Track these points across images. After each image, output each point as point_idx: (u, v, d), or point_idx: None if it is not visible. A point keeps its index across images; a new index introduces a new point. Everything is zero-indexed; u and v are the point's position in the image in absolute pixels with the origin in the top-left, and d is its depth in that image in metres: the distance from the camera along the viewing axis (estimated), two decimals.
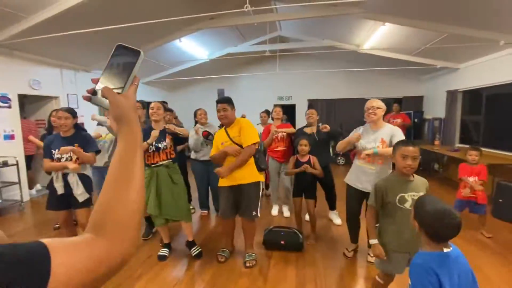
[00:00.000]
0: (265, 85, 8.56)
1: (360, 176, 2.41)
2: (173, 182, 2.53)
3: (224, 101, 2.42)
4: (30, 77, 4.55)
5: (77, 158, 2.33)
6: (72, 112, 2.38)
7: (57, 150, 2.27)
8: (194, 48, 6.19)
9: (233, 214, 2.53)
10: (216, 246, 2.80)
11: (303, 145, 2.89)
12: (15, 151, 4.24)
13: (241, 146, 2.36)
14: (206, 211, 3.75)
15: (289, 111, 7.43)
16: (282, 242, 2.70)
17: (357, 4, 4.02)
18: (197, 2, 4.29)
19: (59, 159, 2.30)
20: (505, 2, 3.33)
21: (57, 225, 3.35)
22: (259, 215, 2.45)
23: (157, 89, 8.44)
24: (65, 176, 2.32)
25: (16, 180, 4.04)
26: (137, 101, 3.72)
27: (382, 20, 4.33)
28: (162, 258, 2.58)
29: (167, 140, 2.54)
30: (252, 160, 2.41)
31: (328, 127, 3.09)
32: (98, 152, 2.48)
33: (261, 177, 2.45)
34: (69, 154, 2.31)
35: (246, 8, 2.86)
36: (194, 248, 2.64)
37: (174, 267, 2.48)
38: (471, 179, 2.97)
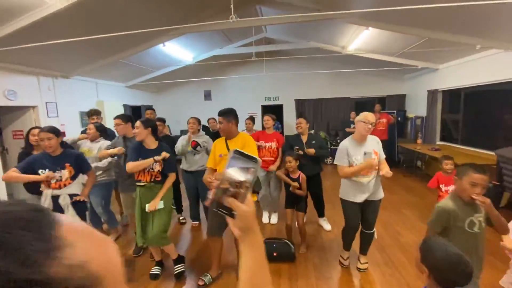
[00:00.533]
0: (252, 86, 8.53)
1: (356, 191, 2.39)
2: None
3: (221, 114, 2.36)
4: (4, 88, 4.31)
5: (70, 178, 2.26)
6: (55, 131, 2.27)
7: (47, 170, 2.18)
8: (178, 51, 6.06)
9: (220, 233, 2.45)
10: (207, 264, 2.78)
11: (288, 162, 2.88)
12: None
13: None
14: (197, 222, 3.73)
15: (276, 112, 7.45)
16: (275, 254, 2.73)
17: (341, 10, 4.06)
18: (180, 8, 4.19)
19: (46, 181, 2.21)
20: (481, 10, 3.46)
21: None
22: None
23: (142, 92, 8.23)
24: (55, 198, 2.23)
25: None
26: (159, 119, 3.63)
27: (366, 25, 4.39)
28: (154, 277, 2.54)
29: (157, 164, 2.41)
30: None
31: (313, 151, 3.13)
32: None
33: (253, 198, 2.45)
34: (59, 175, 2.22)
35: (231, 19, 2.81)
36: (177, 267, 2.57)
37: (168, 285, 2.46)
38: (450, 188, 3.01)
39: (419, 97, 6.90)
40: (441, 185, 3.03)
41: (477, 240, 1.50)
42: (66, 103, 5.40)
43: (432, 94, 6.20)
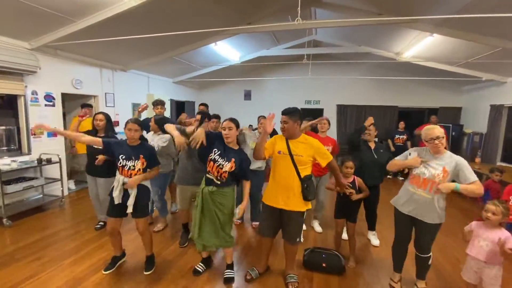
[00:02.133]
0: (293, 88, 8.44)
1: (411, 202, 2.27)
2: (218, 208, 2.29)
3: (286, 113, 2.23)
4: (72, 77, 4.70)
5: (142, 169, 2.39)
6: (141, 125, 2.44)
7: (124, 156, 2.35)
8: (228, 50, 6.16)
9: (271, 234, 2.43)
10: (252, 262, 2.78)
11: (349, 168, 2.76)
12: (57, 148, 4.42)
13: (295, 165, 2.22)
14: (240, 221, 3.75)
15: (316, 116, 7.25)
16: (324, 265, 2.63)
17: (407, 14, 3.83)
18: (238, 8, 4.23)
19: (123, 166, 2.35)
20: None
21: (98, 225, 3.45)
22: (302, 240, 2.41)
23: (186, 88, 8.53)
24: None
25: (58, 176, 4.20)
26: (215, 115, 3.32)
27: (432, 31, 4.10)
28: (196, 272, 2.54)
29: (228, 163, 2.25)
30: (299, 187, 2.23)
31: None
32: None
33: (307, 206, 2.30)
34: (133, 163, 2.36)
35: (297, 21, 2.77)
36: (228, 271, 2.50)
37: (216, 283, 2.47)
38: None
39: (479, 111, 6.32)
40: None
41: None
42: (122, 94, 5.75)
43: (496, 109, 5.65)
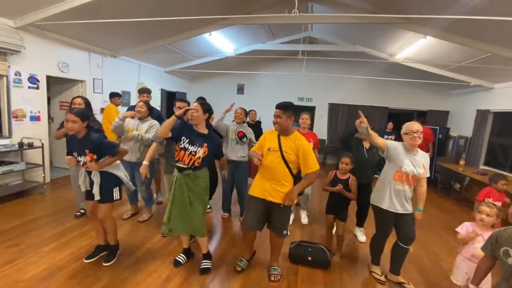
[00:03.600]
0: (286, 84, 8.42)
1: (399, 199, 2.31)
2: (191, 190, 2.25)
3: (280, 107, 2.16)
4: (59, 59, 4.51)
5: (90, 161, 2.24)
6: (82, 115, 2.16)
7: (75, 153, 2.27)
8: (222, 42, 6.07)
9: (256, 227, 2.34)
10: (239, 254, 2.76)
11: (344, 163, 2.77)
12: (40, 132, 4.25)
13: (286, 162, 2.19)
14: (227, 214, 3.71)
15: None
16: (309, 258, 2.64)
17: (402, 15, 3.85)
18: None
19: (78, 161, 2.29)
20: None
21: (78, 213, 3.35)
22: (288, 233, 2.40)
23: (178, 78, 8.37)
24: (89, 173, 2.33)
25: (40, 162, 4.05)
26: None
27: (425, 33, 4.15)
28: (176, 263, 2.49)
29: (200, 148, 2.23)
30: (290, 180, 2.24)
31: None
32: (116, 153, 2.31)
33: (295, 201, 2.31)
34: (84, 159, 2.24)
35: (294, 13, 2.73)
36: (204, 262, 2.47)
37: (197, 276, 2.44)
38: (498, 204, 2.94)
39: (465, 115, 6.48)
40: (487, 199, 3.06)
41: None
42: (111, 81, 5.58)
43: (482, 114, 5.80)
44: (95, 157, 2.23)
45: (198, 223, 2.31)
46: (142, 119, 3.12)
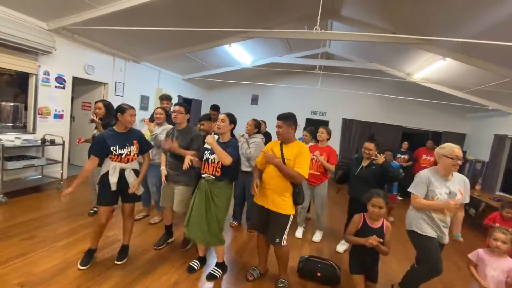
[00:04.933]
0: (300, 97, 8.49)
1: (441, 229, 2.18)
2: (212, 200, 2.33)
3: (281, 118, 2.32)
4: (85, 62, 4.73)
5: (135, 154, 2.41)
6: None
7: (117, 146, 2.31)
8: (240, 53, 6.22)
9: (260, 228, 2.45)
10: (247, 263, 2.75)
11: (377, 207, 2.12)
12: (62, 130, 4.41)
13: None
14: (236, 223, 3.71)
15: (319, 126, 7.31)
16: (319, 274, 2.60)
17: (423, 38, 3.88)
18: (258, 12, 4.29)
19: (118, 155, 2.33)
20: None
21: (91, 211, 3.42)
22: (283, 243, 2.30)
23: (195, 86, 8.57)
24: (122, 171, 2.34)
25: (60, 158, 4.19)
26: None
27: (445, 55, 4.15)
28: (191, 269, 2.50)
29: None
30: (290, 190, 2.27)
31: (383, 158, 2.96)
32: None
33: (292, 211, 2.31)
34: (128, 150, 2.35)
35: (316, 30, 2.80)
36: (214, 268, 2.50)
37: (204, 283, 2.44)
38: None
39: (483, 139, 6.35)
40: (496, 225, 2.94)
41: None
42: (132, 85, 5.78)
43: (499, 139, 5.67)
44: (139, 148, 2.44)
45: (212, 233, 2.34)
46: (159, 124, 3.22)
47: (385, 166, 2.97)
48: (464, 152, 6.81)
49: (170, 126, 3.23)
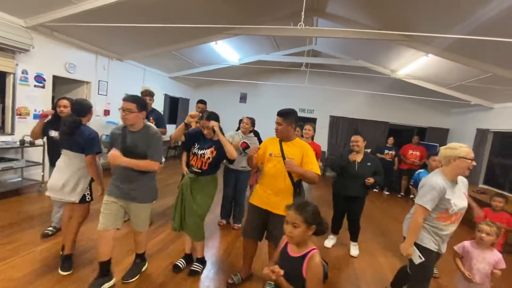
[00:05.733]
0: (288, 95, 8.50)
1: (445, 239, 1.97)
2: (192, 195, 2.35)
3: (281, 114, 2.17)
4: (66, 60, 4.58)
5: None
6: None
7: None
8: (227, 50, 6.17)
9: (255, 236, 2.32)
10: (235, 264, 2.73)
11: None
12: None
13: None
14: (224, 221, 3.68)
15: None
16: None
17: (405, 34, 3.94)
18: (242, 9, 4.25)
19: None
20: None
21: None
22: None
23: (182, 84, 8.46)
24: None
25: (40, 160, 4.05)
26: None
27: (427, 51, 4.23)
28: (176, 268, 2.48)
29: (208, 150, 2.37)
30: (291, 191, 2.17)
31: (372, 181, 3.00)
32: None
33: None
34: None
35: (300, 26, 2.80)
36: (196, 265, 2.50)
37: (193, 281, 2.41)
38: None
39: (465, 134, 6.52)
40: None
41: None
42: (116, 84, 5.65)
43: (481, 133, 5.84)
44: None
45: (195, 227, 2.37)
46: None
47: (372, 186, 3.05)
48: None
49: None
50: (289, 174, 2.15)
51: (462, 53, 4.03)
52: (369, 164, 3.11)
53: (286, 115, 2.17)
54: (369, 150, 3.77)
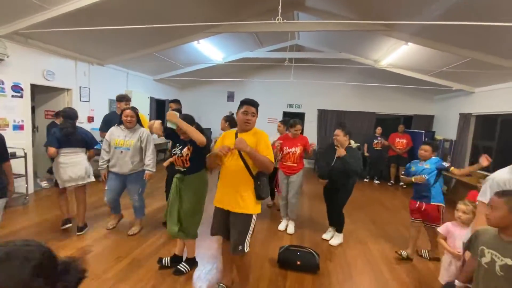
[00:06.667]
0: (276, 91, 8.51)
1: None
2: (180, 195, 2.37)
3: (254, 105, 2.04)
4: (44, 68, 4.46)
5: None
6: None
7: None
8: (210, 50, 6.12)
9: (221, 232, 2.12)
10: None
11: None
12: (24, 142, 4.15)
13: (244, 160, 1.98)
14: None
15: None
16: (298, 263, 2.63)
17: (385, 23, 3.99)
18: (221, 7, 4.22)
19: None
20: None
21: (64, 226, 3.15)
22: (246, 249, 1.99)
23: (167, 86, 8.36)
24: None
25: (23, 172, 3.94)
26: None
27: (406, 40, 4.29)
28: (159, 261, 2.54)
29: (184, 148, 2.36)
30: (251, 185, 1.98)
31: (343, 152, 3.01)
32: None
33: (255, 209, 2.01)
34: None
35: (278, 20, 2.79)
36: (182, 264, 2.49)
37: (186, 284, 2.39)
38: None
39: (449, 119, 6.67)
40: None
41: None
42: (98, 89, 5.54)
43: (464, 117, 5.97)
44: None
45: (186, 225, 2.38)
46: (130, 128, 3.00)
47: (344, 160, 3.00)
48: (433, 133, 7.14)
49: (145, 130, 3.05)
50: (247, 166, 1.98)
51: (440, 40, 4.10)
52: (351, 161, 3.03)
53: (257, 105, 2.07)
54: (356, 145, 3.78)
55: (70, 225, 3.14)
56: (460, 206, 2.13)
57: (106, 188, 3.17)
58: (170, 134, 2.44)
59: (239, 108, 2.07)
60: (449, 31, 3.77)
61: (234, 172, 2.01)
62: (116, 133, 2.99)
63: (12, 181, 2.33)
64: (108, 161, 3.03)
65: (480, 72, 4.75)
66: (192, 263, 2.54)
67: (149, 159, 3.02)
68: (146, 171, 3.02)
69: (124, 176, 3.05)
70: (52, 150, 2.79)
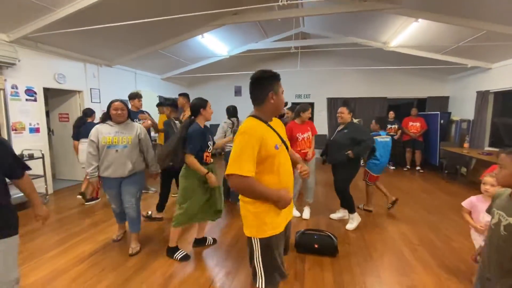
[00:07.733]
0: (283, 82, 8.06)
1: None
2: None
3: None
4: (55, 71, 4.56)
5: None
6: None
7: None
8: (215, 44, 6.10)
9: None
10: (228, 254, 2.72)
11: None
12: (40, 144, 4.27)
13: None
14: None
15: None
16: (316, 246, 2.59)
17: (391, 0, 3.85)
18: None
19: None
20: None
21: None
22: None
23: (175, 85, 8.42)
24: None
25: (41, 173, 4.06)
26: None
27: (416, 16, 4.12)
28: (185, 258, 2.56)
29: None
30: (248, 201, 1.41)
31: (351, 153, 3.01)
32: None
33: (256, 233, 1.40)
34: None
35: (281, 2, 2.73)
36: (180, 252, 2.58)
37: (200, 272, 2.40)
38: None
39: (466, 99, 6.41)
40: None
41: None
42: (108, 90, 5.62)
43: (482, 95, 5.72)
44: None
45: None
46: (121, 122, 2.55)
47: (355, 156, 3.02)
48: (449, 114, 6.89)
49: (139, 124, 2.80)
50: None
51: (452, 13, 3.91)
52: (345, 131, 3.09)
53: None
54: (357, 120, 3.81)
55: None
56: (487, 178, 2.02)
57: (107, 197, 2.78)
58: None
59: (276, 86, 1.51)
60: (461, 2, 3.60)
61: (290, 172, 1.51)
62: (104, 131, 2.46)
63: (38, 202, 1.75)
64: (98, 167, 2.50)
65: (497, 46, 4.53)
66: (168, 252, 2.59)
67: (152, 157, 2.72)
68: (154, 172, 2.76)
69: (120, 179, 2.55)
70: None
